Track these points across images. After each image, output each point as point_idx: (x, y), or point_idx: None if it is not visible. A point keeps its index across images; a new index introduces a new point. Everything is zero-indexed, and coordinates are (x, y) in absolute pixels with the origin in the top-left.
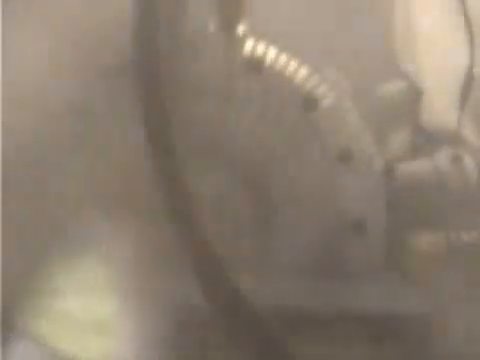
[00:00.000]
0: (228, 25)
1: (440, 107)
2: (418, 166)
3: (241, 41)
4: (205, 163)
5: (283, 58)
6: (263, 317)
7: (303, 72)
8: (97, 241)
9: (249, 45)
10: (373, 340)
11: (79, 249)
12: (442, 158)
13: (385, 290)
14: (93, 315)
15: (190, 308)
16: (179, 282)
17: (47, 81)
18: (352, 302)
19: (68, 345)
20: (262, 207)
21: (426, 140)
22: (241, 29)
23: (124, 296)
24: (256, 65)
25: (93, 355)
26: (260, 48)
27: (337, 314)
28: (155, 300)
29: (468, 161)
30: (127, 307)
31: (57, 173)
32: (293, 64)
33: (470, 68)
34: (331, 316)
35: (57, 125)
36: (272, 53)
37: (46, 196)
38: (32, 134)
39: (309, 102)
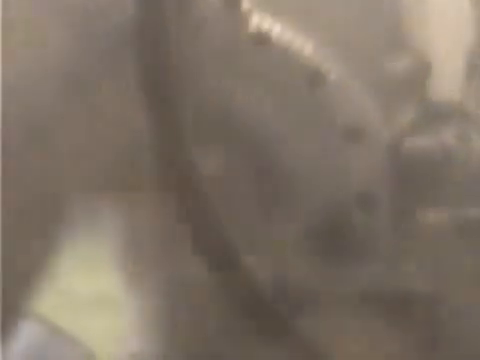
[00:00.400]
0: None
1: (448, 82)
2: (425, 141)
3: (247, 16)
4: (210, 139)
5: (289, 33)
6: (266, 292)
7: (309, 47)
8: (101, 217)
9: (255, 20)
10: (378, 317)
11: (82, 225)
12: (449, 134)
13: (390, 266)
14: (97, 292)
15: (193, 283)
16: (181, 256)
17: (45, 50)
18: (357, 279)
19: (71, 323)
20: (267, 182)
21: (434, 115)
22: (246, 3)
23: (128, 272)
24: (262, 40)
25: (96, 332)
26: (266, 23)
27: (342, 290)
28: (157, 275)
29: (475, 137)
30: (131, 283)
31: (56, 149)
32: (299, 39)
33: (479, 40)
34: (336, 292)
35: (57, 98)
36: (278, 28)
37: (45, 172)
38: (31, 107)
39: (316, 77)
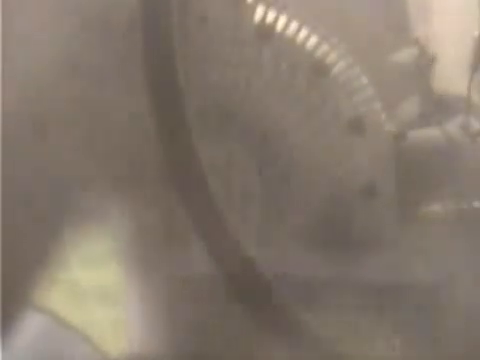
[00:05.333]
0: None
1: (452, 74)
2: (429, 133)
3: (251, 7)
4: (214, 130)
5: (294, 25)
6: (271, 285)
7: (314, 39)
8: (102, 210)
9: (260, 12)
10: (381, 309)
11: (84, 219)
12: (453, 126)
13: (393, 258)
14: (100, 285)
15: (197, 277)
16: (186, 251)
17: (49, 43)
18: (360, 270)
19: (74, 316)
20: (271, 174)
21: (438, 107)
22: None
23: (130, 266)
24: (266, 32)
25: (99, 326)
26: (270, 15)
27: (345, 282)
28: (162, 269)
29: (479, 127)
30: (134, 277)
31: (59, 141)
32: (304, 31)
33: None
34: (339, 284)
35: (59, 89)
36: (283, 20)
37: (48, 165)
38: (33, 103)
39: (320, 68)
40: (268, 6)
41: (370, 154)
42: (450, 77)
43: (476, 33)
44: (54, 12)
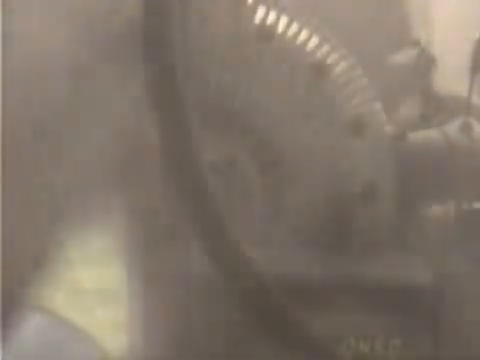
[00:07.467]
0: None
1: (452, 75)
2: (428, 134)
3: (252, 9)
4: (214, 130)
5: (294, 26)
6: (270, 285)
7: (314, 40)
8: (104, 210)
9: (260, 13)
10: (381, 310)
11: (84, 219)
12: (453, 128)
13: (394, 259)
14: (100, 285)
15: (197, 277)
16: (186, 251)
17: (51, 48)
18: (360, 271)
19: (75, 315)
20: (272, 174)
21: (438, 109)
22: None
23: (131, 266)
24: (267, 33)
25: (101, 325)
26: (271, 16)
27: (345, 283)
28: (162, 269)
29: (478, 129)
30: (134, 277)
31: (61, 141)
32: (304, 32)
33: None
34: (339, 285)
35: (60, 92)
36: (283, 21)
37: (50, 164)
38: (33, 103)
39: (320, 69)
40: (269, 7)
41: (370, 155)
42: (450, 79)
43: (476, 35)
44: (56, 13)
